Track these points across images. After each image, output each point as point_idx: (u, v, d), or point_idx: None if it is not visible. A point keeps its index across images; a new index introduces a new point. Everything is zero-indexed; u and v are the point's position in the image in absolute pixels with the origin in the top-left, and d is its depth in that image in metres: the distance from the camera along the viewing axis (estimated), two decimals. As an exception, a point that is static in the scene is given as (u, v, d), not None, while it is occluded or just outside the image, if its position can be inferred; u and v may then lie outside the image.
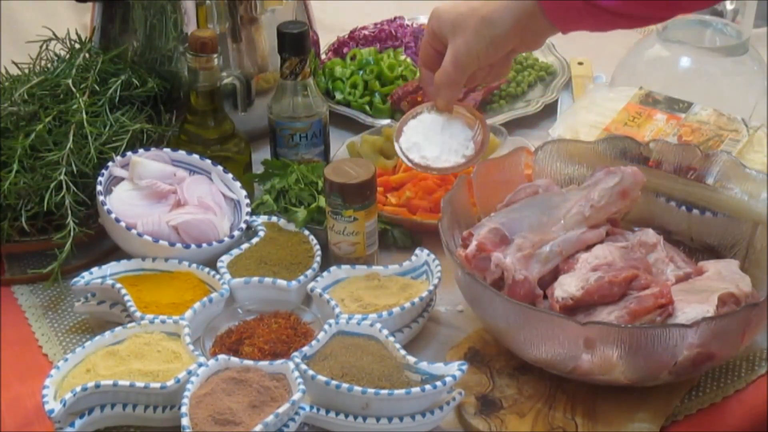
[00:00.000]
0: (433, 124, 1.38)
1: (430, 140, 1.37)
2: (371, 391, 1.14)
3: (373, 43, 1.85)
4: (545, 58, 1.88)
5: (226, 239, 1.38)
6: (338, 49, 1.86)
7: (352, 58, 1.80)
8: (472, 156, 1.36)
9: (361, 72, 1.77)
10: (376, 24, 1.89)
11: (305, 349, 1.20)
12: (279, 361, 1.18)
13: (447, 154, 1.36)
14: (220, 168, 1.46)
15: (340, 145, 1.60)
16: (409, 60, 1.83)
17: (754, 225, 1.31)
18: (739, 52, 1.64)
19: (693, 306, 1.18)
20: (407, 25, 1.90)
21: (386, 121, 1.69)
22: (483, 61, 1.31)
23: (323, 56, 1.84)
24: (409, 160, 1.37)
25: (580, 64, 1.84)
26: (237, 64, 1.62)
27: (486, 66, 1.33)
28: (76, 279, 1.31)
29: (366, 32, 1.87)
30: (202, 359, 1.20)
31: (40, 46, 1.56)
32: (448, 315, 1.35)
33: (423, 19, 1.94)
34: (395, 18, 1.92)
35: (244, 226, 1.41)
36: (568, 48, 1.89)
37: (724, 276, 1.24)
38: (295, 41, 1.47)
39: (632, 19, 1.25)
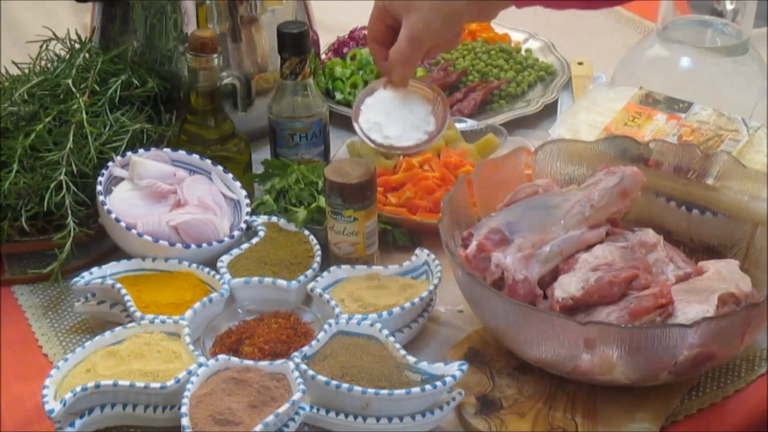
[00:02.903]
0: (391, 101, 1.34)
1: (391, 118, 1.34)
2: (371, 391, 1.14)
3: None
4: (545, 58, 1.88)
5: (226, 239, 1.38)
6: (338, 49, 1.86)
7: (352, 58, 1.80)
8: (434, 131, 1.34)
9: (361, 72, 1.77)
10: None
11: (305, 349, 1.20)
12: (279, 361, 1.18)
13: (409, 131, 1.33)
14: (220, 168, 1.46)
15: (340, 145, 1.60)
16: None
17: (754, 225, 1.31)
18: (739, 52, 1.64)
19: (693, 306, 1.18)
20: None
21: (386, 121, 1.69)
22: (440, 37, 1.29)
23: (323, 56, 1.84)
24: (372, 141, 1.33)
25: (580, 64, 1.84)
26: (237, 64, 1.62)
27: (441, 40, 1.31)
28: (76, 279, 1.31)
29: (366, 32, 1.87)
30: (202, 359, 1.20)
31: (40, 46, 1.56)
32: (448, 315, 1.35)
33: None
34: None
35: (244, 226, 1.41)
36: (568, 48, 1.89)
37: (724, 276, 1.24)
38: (295, 41, 1.47)
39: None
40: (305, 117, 1.50)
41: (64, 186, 1.39)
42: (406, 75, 1.33)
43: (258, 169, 1.53)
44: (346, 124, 1.71)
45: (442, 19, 1.26)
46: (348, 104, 1.74)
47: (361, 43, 1.85)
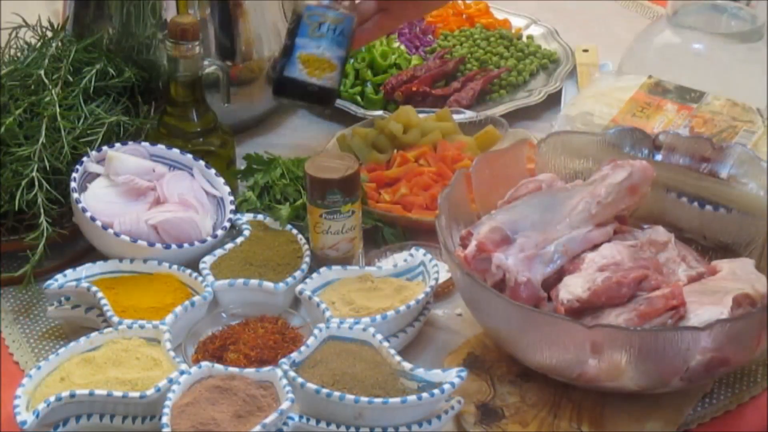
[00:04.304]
0: None
1: None
2: (365, 399, 1.14)
3: None
4: (548, 45, 1.89)
5: (209, 239, 1.38)
6: None
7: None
8: None
9: (352, 60, 1.78)
10: None
11: (294, 355, 1.20)
12: (266, 369, 1.19)
13: None
14: (201, 163, 1.46)
15: (329, 138, 1.61)
16: (403, 47, 1.84)
17: (770, 221, 1.32)
18: (755, 38, 1.65)
19: (706, 308, 1.18)
20: None
21: (378, 113, 1.70)
22: None
23: None
24: None
25: (586, 51, 1.85)
26: (220, 52, 1.62)
27: None
28: (49, 282, 1.32)
29: None
30: (183, 367, 1.20)
31: (10, 34, 1.56)
32: (446, 318, 1.36)
33: None
34: None
35: (227, 224, 1.41)
36: (573, 34, 1.90)
37: (739, 276, 1.25)
38: None
39: None
40: (342, 8, 1.44)
41: (36, 183, 1.39)
42: None
43: (243, 164, 1.53)
44: (336, 116, 1.71)
45: None
46: (339, 95, 1.75)
47: None
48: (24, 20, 1.57)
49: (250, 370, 1.19)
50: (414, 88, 1.73)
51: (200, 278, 1.34)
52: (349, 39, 1.46)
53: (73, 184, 1.37)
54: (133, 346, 1.23)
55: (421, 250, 1.36)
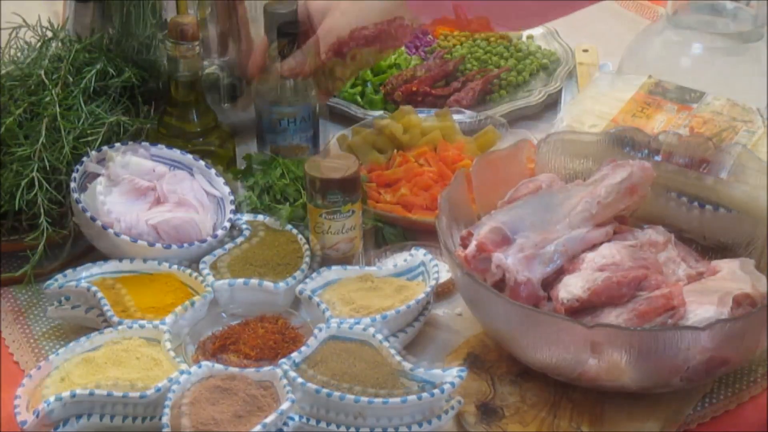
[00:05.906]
0: None
1: None
2: (365, 399, 1.14)
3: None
4: (548, 45, 1.89)
5: (209, 239, 1.39)
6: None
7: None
8: None
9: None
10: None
11: (294, 355, 1.20)
12: (266, 368, 1.19)
13: None
14: (202, 163, 1.46)
15: (330, 138, 1.61)
16: (403, 47, 1.84)
17: (770, 221, 1.32)
18: (754, 38, 1.65)
19: (706, 307, 1.18)
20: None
21: (379, 113, 1.70)
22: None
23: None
24: None
25: (585, 51, 1.85)
26: (220, 52, 1.62)
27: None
28: (49, 282, 1.32)
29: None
30: (184, 366, 1.20)
31: (10, 34, 1.56)
32: (446, 318, 1.36)
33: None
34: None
35: (228, 224, 1.41)
36: (572, 34, 1.90)
37: (738, 276, 1.25)
38: (283, 22, 1.47)
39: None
40: (293, 102, 1.49)
41: (36, 183, 1.39)
42: None
43: (243, 164, 1.53)
44: (336, 116, 1.71)
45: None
46: (338, 95, 1.75)
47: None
48: (24, 20, 1.57)
49: (250, 370, 1.19)
50: (414, 88, 1.73)
51: (200, 278, 1.34)
52: (313, 118, 1.53)
53: (73, 184, 1.38)
54: (133, 346, 1.23)
55: (422, 250, 1.36)
